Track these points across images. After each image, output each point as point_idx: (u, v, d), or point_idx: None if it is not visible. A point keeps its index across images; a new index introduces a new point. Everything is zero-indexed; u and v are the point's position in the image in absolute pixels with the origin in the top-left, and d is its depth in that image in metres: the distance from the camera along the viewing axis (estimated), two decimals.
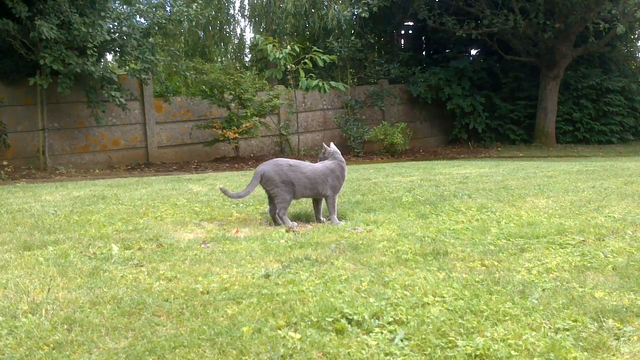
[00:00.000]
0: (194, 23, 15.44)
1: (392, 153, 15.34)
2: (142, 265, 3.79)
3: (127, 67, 12.37)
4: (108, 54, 13.37)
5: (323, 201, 5.24)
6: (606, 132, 18.01)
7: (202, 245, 4.30)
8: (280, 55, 12.69)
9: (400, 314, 2.91)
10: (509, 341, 2.62)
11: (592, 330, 2.76)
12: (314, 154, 13.75)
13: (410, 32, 20.53)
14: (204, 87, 13.19)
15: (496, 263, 3.78)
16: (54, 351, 2.53)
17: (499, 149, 17.30)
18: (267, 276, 3.49)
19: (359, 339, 2.67)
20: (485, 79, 18.40)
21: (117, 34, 11.84)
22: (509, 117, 18.30)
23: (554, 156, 15.14)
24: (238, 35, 19.82)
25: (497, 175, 8.17)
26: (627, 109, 18.33)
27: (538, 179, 7.67)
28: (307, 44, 14.46)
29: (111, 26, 11.82)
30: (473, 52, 20.47)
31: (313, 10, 17.60)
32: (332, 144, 5.47)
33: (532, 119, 18.03)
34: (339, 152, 5.35)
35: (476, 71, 18.18)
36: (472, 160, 13.74)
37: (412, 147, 16.78)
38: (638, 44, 22.72)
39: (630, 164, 10.31)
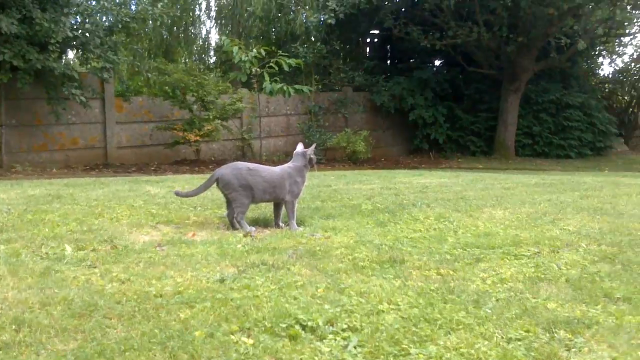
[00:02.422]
0: (158, 22, 15.28)
1: (354, 161, 15.38)
2: (95, 267, 3.71)
3: (89, 65, 12.16)
4: (70, 50, 13.13)
5: (284, 207, 5.21)
6: (565, 146, 18.32)
7: (157, 248, 4.23)
8: (246, 58, 12.61)
9: (355, 321, 2.91)
10: (461, 350, 2.63)
11: (543, 340, 2.79)
12: (277, 160, 13.72)
13: (376, 40, 20.64)
14: (166, 87, 13.03)
15: (452, 272, 3.81)
16: (1, 352, 2.47)
17: (460, 159, 17.49)
18: (222, 281, 3.45)
19: (312, 345, 2.66)
20: (447, 90, 18.58)
21: (80, 31, 11.64)
22: (470, 128, 18.51)
23: (512, 169, 15.35)
24: (203, 36, 19.70)
25: (457, 186, 8.24)
26: (586, 124, 18.64)
27: (496, 190, 7.76)
28: (273, 48, 14.39)
29: (74, 22, 11.61)
30: (437, 62, 20.65)
31: (280, 15, 17.59)
32: (300, 145, 5.42)
33: (492, 131, 18.27)
34: (306, 153, 5.25)
35: (439, 82, 18.35)
36: (433, 170, 13.85)
37: (374, 156, 16.83)
38: (598, 61, 23.26)
39: (587, 178, 10.51)
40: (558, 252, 4.36)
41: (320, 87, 17.17)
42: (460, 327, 2.89)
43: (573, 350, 2.72)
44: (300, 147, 5.35)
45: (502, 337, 2.80)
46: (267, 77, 12.74)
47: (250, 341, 2.66)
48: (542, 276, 3.77)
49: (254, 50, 12.90)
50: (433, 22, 17.27)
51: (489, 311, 3.10)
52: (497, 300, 3.29)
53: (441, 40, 16.96)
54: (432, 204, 6.32)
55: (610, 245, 4.58)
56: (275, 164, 5.70)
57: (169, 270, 3.64)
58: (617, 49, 22.71)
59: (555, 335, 2.85)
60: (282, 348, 2.61)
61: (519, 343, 2.74)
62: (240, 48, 12.91)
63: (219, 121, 12.96)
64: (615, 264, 4.10)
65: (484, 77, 18.36)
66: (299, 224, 5.17)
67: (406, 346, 2.66)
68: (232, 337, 2.70)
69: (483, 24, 16.69)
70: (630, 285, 3.65)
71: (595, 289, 3.54)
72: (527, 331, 2.87)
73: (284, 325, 2.81)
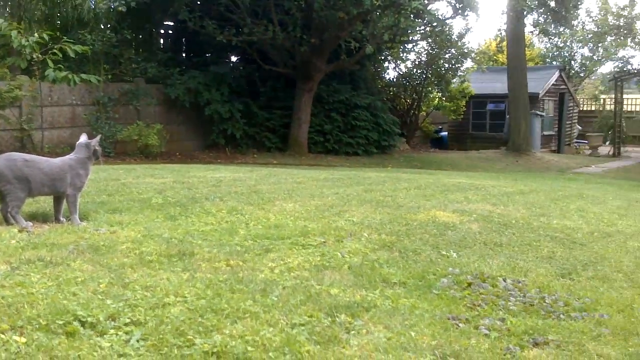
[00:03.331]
0: None
1: (146, 155, 14.91)
2: None
3: None
4: None
5: (65, 200, 4.88)
6: (353, 144, 19.23)
7: None
8: (27, 43, 11.67)
9: (139, 315, 2.81)
10: (246, 337, 2.65)
11: (325, 324, 2.89)
12: (60, 152, 12.88)
13: (171, 32, 20.18)
14: None
15: (241, 263, 3.83)
16: None
17: (255, 155, 17.69)
18: None
19: (91, 341, 2.54)
20: (244, 86, 18.68)
21: None
22: (266, 125, 18.76)
23: (305, 164, 15.85)
24: None
25: (250, 180, 8.31)
26: (372, 124, 19.70)
27: (288, 184, 7.95)
28: (58, 33, 13.41)
29: None
30: (233, 58, 20.68)
31: None
32: (83, 136, 5.09)
33: (287, 129, 18.68)
34: (90, 144, 4.96)
35: (236, 78, 18.40)
36: (228, 165, 13.87)
37: (168, 150, 16.45)
38: (384, 65, 24.79)
39: (372, 174, 11.15)
40: (342, 242, 4.57)
41: (110, 77, 16.38)
42: (247, 315, 2.91)
43: (352, 332, 2.86)
44: (83, 138, 5.04)
45: (287, 323, 2.86)
46: (50, 64, 11.89)
47: (23, 339, 2.48)
48: (327, 264, 3.92)
49: (36, 34, 11.98)
50: (229, 18, 17.25)
51: (275, 299, 3.16)
52: (283, 288, 3.36)
53: (237, 36, 16.99)
54: (225, 198, 6.30)
55: (389, 235, 4.89)
56: (59, 156, 5.31)
57: None
58: (401, 55, 24.35)
59: (337, 319, 2.97)
60: (58, 345, 2.46)
61: (303, 328, 2.82)
62: (20, 32, 11.93)
63: None
64: (394, 252, 4.40)
65: (280, 75, 18.70)
66: (82, 219, 4.87)
67: (191, 337, 2.62)
68: (2, 336, 2.50)
69: (278, 23, 16.99)
70: (405, 270, 3.93)
71: (375, 274, 3.75)
72: (311, 316, 2.96)
73: (61, 322, 2.65)
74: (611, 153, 26.05)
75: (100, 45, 15.45)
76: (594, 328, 3.20)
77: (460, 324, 3.11)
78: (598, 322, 3.30)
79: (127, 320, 2.74)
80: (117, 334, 2.61)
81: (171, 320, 2.77)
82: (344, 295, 3.34)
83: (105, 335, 2.59)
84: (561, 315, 3.38)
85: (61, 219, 4.83)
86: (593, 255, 4.83)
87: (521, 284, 3.89)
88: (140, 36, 19.12)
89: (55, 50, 11.83)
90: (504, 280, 3.90)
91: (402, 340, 2.81)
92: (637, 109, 30.15)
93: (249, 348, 2.55)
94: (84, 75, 12.36)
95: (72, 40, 12.29)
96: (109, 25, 16.80)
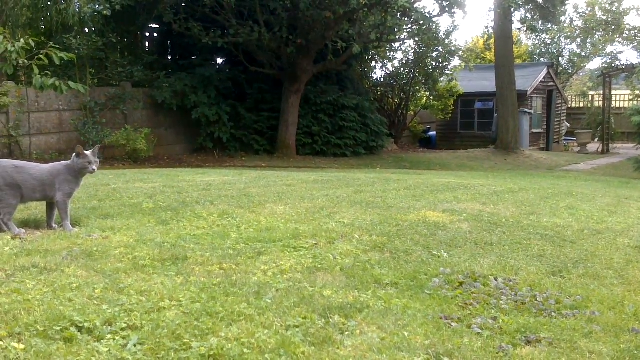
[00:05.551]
0: None
1: (134, 159, 14.90)
2: None
3: None
4: None
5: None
6: (341, 145, 19.28)
7: None
8: (13, 49, 11.63)
9: (135, 320, 2.84)
10: (242, 340, 2.69)
11: (319, 326, 2.94)
12: (49, 158, 12.87)
13: (156, 35, 20.13)
14: None
15: (234, 266, 3.86)
16: None
17: (244, 158, 17.69)
18: None
19: (89, 346, 2.57)
20: (231, 88, 18.65)
21: None
22: (253, 127, 18.74)
23: (294, 167, 15.88)
24: None
25: (240, 183, 8.35)
26: (360, 124, 19.78)
27: (278, 187, 7.99)
28: (43, 38, 13.36)
29: None
30: (219, 60, 20.65)
31: (50, 3, 16.42)
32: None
33: (274, 131, 18.67)
34: (87, 154, 4.92)
35: (222, 80, 18.34)
36: (217, 168, 13.88)
37: (156, 154, 16.44)
38: (371, 65, 24.83)
39: (361, 175, 11.21)
40: (334, 243, 4.61)
41: (96, 81, 16.32)
42: (242, 318, 2.95)
43: (346, 333, 2.90)
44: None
45: (281, 325, 2.90)
46: (36, 70, 11.84)
47: (21, 346, 2.51)
48: (319, 266, 3.96)
49: (22, 40, 11.93)
50: (214, 20, 17.23)
51: (269, 301, 3.20)
52: (277, 290, 3.40)
53: (223, 38, 16.95)
54: (215, 202, 6.33)
55: (380, 236, 4.94)
56: (47, 162, 5.34)
57: None
58: (388, 54, 24.43)
59: (330, 320, 3.02)
60: (56, 351, 2.49)
61: (297, 329, 2.86)
62: (5, 37, 11.88)
63: None
64: (385, 253, 4.44)
65: (267, 77, 18.70)
66: (74, 225, 4.89)
67: (188, 340, 2.65)
68: (1, 343, 2.52)
69: (264, 24, 16.97)
70: (397, 271, 3.97)
71: (367, 276, 3.80)
72: (305, 318, 3.00)
73: (58, 328, 2.68)
74: (600, 150, 26.24)
75: (86, 49, 15.39)
76: (585, 325, 3.25)
77: (453, 323, 3.16)
78: (589, 320, 3.35)
79: (124, 325, 2.78)
80: (114, 339, 2.64)
81: (167, 324, 2.80)
82: (337, 296, 3.39)
83: (102, 341, 2.62)
84: (553, 313, 3.43)
85: (53, 225, 4.85)
86: (583, 253, 4.88)
87: (512, 282, 3.94)
88: (126, 40, 19.07)
89: (41, 56, 11.79)
90: (495, 279, 3.96)
91: (395, 340, 2.86)
92: (626, 105, 30.21)
93: (245, 350, 2.59)
94: (72, 84, 12.30)
95: (57, 46, 12.25)
96: (94, 29, 16.72)
